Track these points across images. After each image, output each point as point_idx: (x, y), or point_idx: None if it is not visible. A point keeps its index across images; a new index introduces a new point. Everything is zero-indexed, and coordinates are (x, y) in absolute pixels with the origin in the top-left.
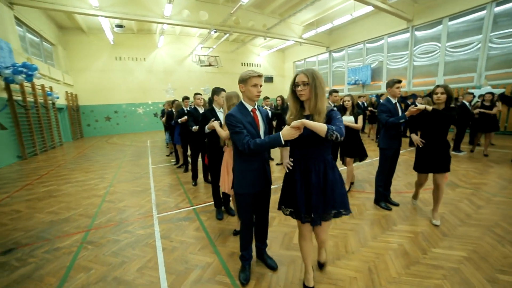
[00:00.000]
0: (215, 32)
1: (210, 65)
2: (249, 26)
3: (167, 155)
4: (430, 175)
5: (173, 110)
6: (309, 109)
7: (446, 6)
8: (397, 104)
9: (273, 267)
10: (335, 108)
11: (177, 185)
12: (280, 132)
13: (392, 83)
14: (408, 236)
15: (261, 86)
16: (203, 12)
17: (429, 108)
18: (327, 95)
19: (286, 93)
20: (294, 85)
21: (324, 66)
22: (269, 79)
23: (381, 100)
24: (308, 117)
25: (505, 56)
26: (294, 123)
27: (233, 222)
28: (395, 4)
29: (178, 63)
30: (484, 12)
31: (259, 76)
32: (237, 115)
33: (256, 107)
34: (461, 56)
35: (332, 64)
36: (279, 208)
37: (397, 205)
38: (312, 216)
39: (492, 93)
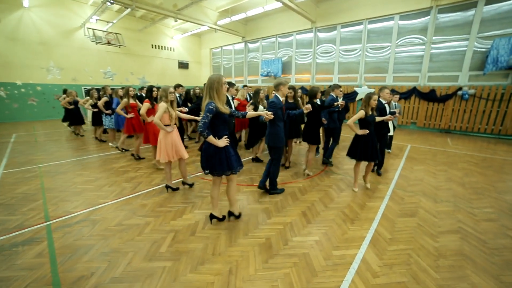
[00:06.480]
0: (112, 3)
1: (108, 43)
2: (157, 4)
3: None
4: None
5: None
6: None
7: (339, 15)
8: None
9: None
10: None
11: (37, 194)
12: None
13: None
14: (278, 228)
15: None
16: None
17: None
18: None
19: (203, 81)
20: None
21: (240, 55)
22: (184, 65)
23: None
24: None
25: (375, 63)
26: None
27: (94, 236)
28: (300, 4)
29: (63, 36)
30: (361, 26)
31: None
32: (277, 101)
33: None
34: (350, 59)
35: (248, 55)
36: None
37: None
38: None
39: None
